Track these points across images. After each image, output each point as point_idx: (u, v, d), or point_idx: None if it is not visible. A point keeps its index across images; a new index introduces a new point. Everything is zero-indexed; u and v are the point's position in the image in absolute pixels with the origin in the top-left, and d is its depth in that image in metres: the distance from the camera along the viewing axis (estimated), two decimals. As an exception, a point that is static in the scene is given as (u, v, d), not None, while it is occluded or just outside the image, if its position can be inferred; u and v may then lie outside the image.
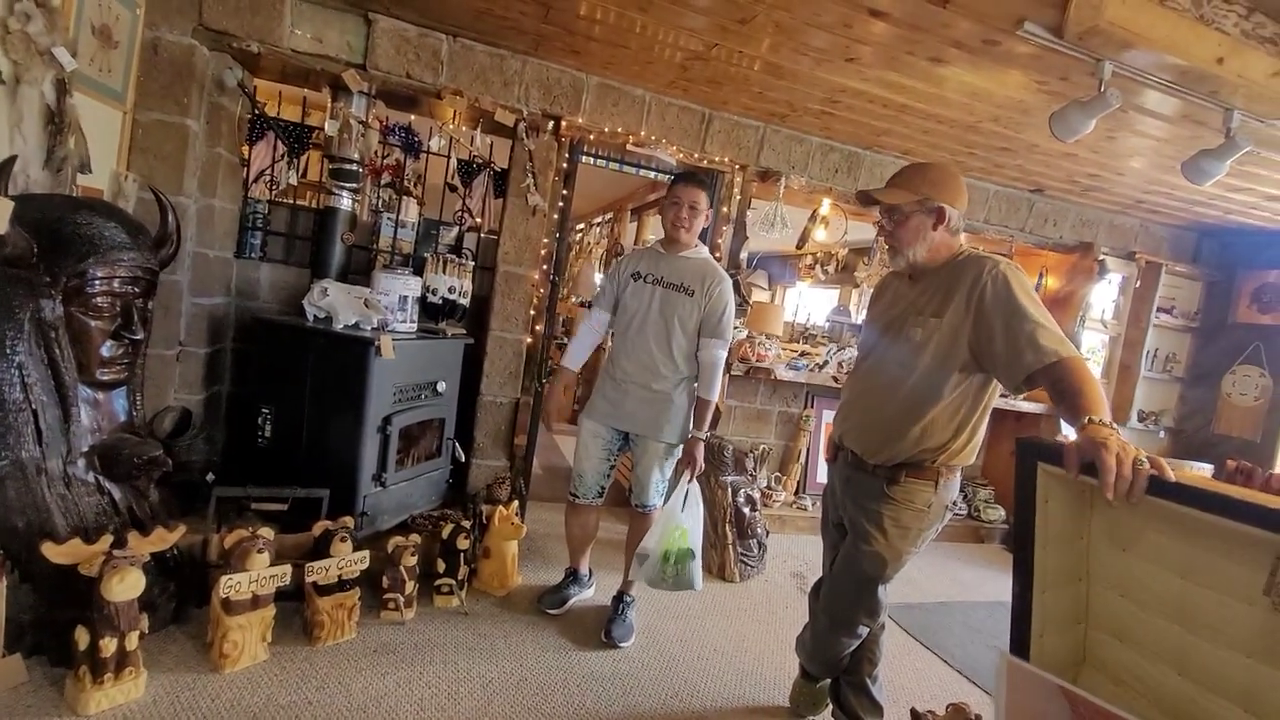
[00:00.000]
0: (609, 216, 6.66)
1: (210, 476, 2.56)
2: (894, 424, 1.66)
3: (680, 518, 2.20)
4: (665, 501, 2.27)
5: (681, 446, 2.30)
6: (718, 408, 3.62)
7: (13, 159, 1.58)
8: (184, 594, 2.01)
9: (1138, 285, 4.25)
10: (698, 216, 2.21)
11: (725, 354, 2.25)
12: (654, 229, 6.28)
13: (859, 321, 7.38)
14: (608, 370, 2.33)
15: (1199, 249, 4.44)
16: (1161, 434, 4.45)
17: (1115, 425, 1.18)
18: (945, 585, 3.42)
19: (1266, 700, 1.03)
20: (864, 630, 1.83)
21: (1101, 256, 4.08)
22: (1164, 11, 1.83)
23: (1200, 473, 3.65)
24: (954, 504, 1.75)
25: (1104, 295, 4.28)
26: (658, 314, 2.23)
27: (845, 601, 1.79)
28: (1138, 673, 1.28)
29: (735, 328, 3.75)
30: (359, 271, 2.91)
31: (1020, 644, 1.35)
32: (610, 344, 2.58)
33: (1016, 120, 2.72)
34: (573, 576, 2.55)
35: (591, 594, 2.59)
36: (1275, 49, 2.00)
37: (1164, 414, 4.45)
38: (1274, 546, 0.92)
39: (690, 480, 2.20)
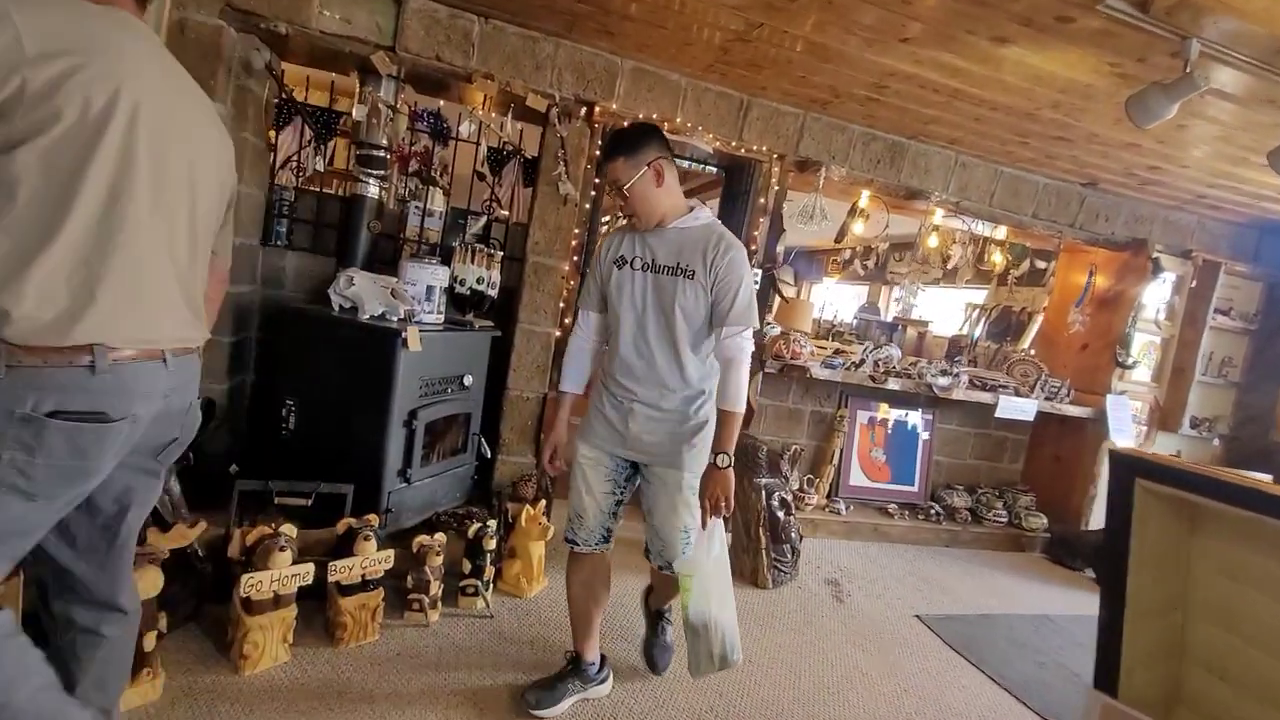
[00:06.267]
0: (635, 209, 6.54)
1: (234, 468, 2.51)
2: None
3: (688, 565, 1.72)
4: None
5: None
6: (750, 405, 3.51)
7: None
8: (204, 590, 1.95)
9: (1193, 285, 4.03)
10: (636, 189, 1.66)
11: (749, 345, 1.69)
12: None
13: (889, 319, 7.17)
14: (603, 384, 1.83)
15: (1259, 247, 4.20)
16: (1216, 441, 4.24)
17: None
18: (984, 596, 3.26)
19: None
20: None
21: (1155, 254, 3.87)
22: (1263, -18, 1.67)
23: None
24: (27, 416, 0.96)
25: (1157, 295, 4.06)
26: (654, 308, 1.72)
27: None
28: (1239, 714, 1.15)
29: (767, 324, 3.64)
30: (385, 261, 2.84)
31: (1107, 678, 1.22)
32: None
33: (1078, 107, 2.56)
34: (574, 665, 1.89)
35: (607, 691, 1.95)
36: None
37: (1219, 420, 4.23)
38: None
39: (712, 524, 1.66)
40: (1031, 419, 3.87)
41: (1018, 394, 3.90)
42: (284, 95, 2.70)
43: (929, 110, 2.88)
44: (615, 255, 1.79)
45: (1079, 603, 3.40)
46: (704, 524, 1.68)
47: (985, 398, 3.81)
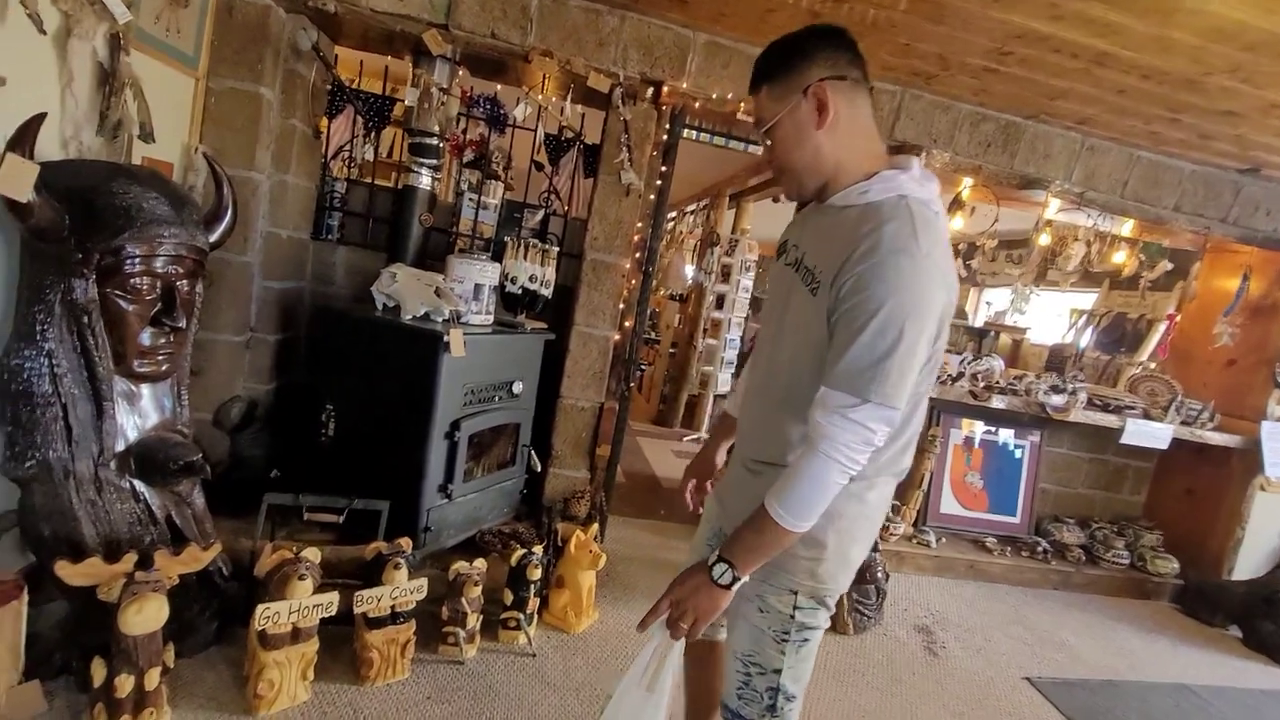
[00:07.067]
0: (704, 203, 6.22)
1: (275, 473, 2.39)
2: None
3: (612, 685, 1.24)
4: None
5: (806, 605, 1.13)
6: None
7: (40, 117, 1.38)
8: (229, 611, 1.80)
9: (1379, 291, 3.35)
10: (781, 133, 1.10)
11: (852, 433, 0.97)
12: (754, 216, 5.76)
13: (976, 324, 6.53)
14: None
15: None
16: (1400, 481, 3.52)
17: None
18: (1110, 656, 2.77)
19: None
20: None
21: (1331, 254, 3.23)
22: None
23: None
24: None
25: (1329, 303, 3.40)
26: (776, 323, 1.18)
27: None
28: None
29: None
30: (438, 256, 2.66)
31: None
32: None
33: (1264, 70, 2.06)
34: None
35: None
36: None
37: (1405, 456, 3.50)
38: None
39: (660, 642, 1.10)
40: (1165, 446, 3.31)
41: (1148, 416, 3.35)
42: (333, 77, 2.55)
43: (1059, 82, 2.42)
44: (783, 237, 1.23)
45: (1224, 669, 2.85)
46: (642, 624, 1.09)
47: (1108, 420, 3.28)
